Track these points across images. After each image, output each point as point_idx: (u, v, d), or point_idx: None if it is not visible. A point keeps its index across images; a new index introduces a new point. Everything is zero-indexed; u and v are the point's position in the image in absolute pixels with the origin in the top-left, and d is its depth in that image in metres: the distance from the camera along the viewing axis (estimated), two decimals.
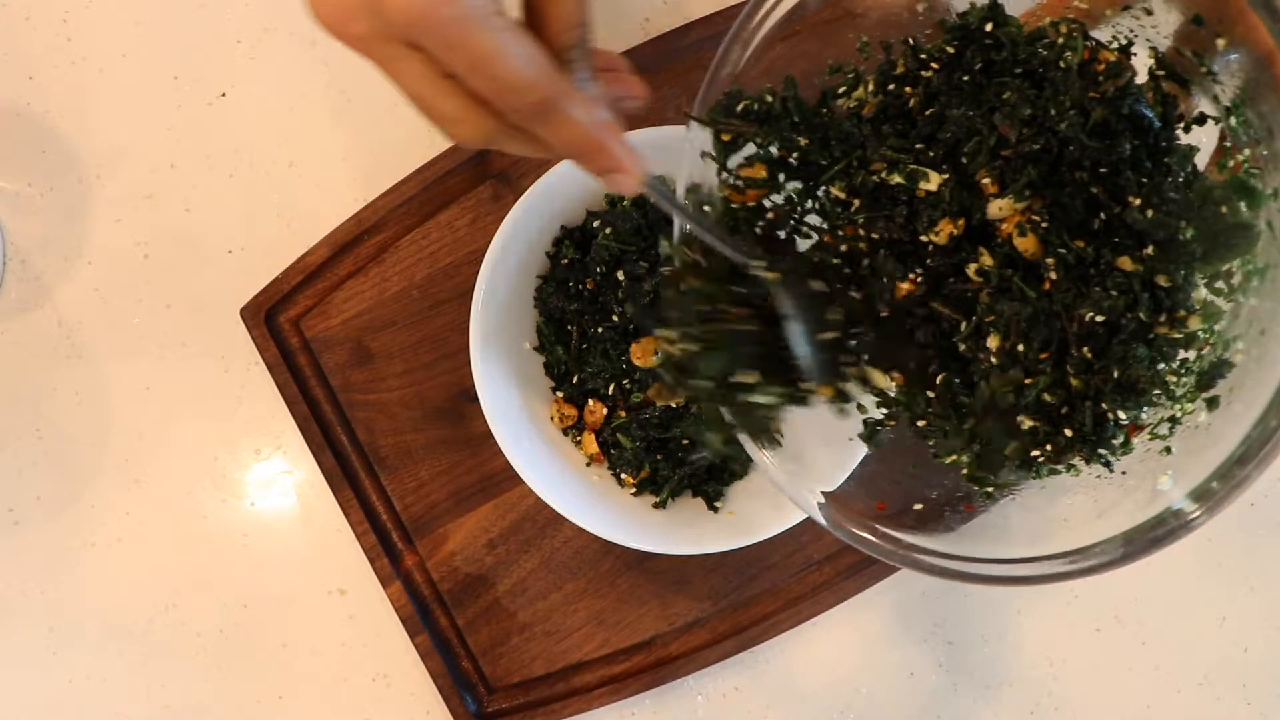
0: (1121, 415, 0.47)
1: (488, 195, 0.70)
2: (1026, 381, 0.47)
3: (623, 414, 0.65)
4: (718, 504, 0.66)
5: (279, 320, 0.70)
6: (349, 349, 0.71)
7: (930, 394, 0.49)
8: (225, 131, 0.73)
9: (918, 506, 0.52)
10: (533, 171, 0.68)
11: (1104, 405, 0.46)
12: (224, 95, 0.73)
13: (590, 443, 0.66)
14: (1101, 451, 0.47)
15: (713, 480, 0.66)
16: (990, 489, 0.51)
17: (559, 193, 0.65)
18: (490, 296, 0.64)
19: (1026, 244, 0.46)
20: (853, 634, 0.72)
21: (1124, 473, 0.48)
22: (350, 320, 0.71)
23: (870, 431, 0.53)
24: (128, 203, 0.72)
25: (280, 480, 0.72)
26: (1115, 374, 0.45)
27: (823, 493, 0.51)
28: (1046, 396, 0.47)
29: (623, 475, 0.66)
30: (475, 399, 0.63)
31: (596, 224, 0.66)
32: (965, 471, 0.50)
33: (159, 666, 0.71)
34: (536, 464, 0.65)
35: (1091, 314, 0.45)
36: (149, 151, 0.72)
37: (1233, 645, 0.72)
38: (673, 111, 0.70)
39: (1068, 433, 0.47)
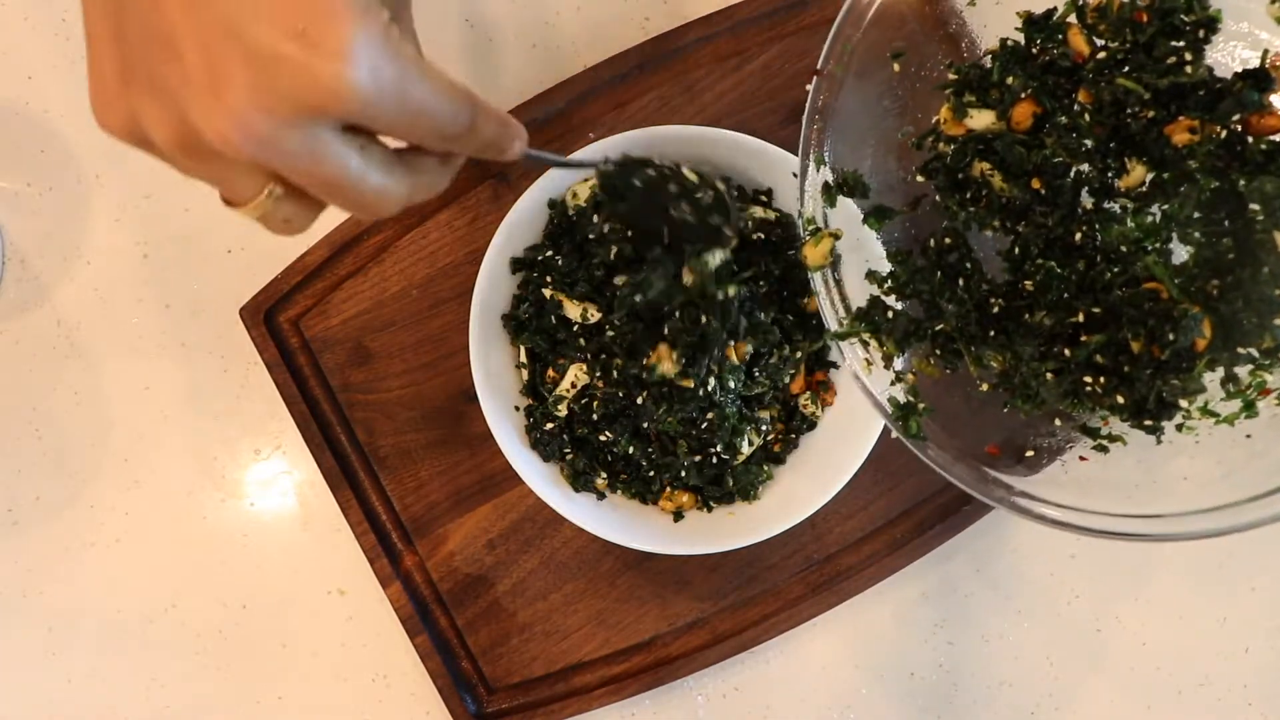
0: (1185, 404, 0.47)
1: (487, 195, 0.70)
2: (1084, 339, 0.47)
3: (600, 385, 0.65)
4: (715, 503, 0.66)
5: (278, 320, 0.70)
6: (348, 349, 0.71)
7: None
8: None
9: (1029, 454, 0.53)
10: (532, 171, 0.67)
11: (1166, 388, 0.46)
12: None
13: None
14: (1150, 424, 0.48)
15: (712, 483, 0.66)
16: (1102, 441, 0.51)
17: (559, 192, 0.65)
18: (490, 296, 0.64)
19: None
20: (853, 634, 0.72)
21: (1249, 436, 0.48)
22: (350, 320, 0.70)
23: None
24: (127, 202, 0.72)
25: (280, 480, 0.72)
26: (1173, 339, 0.45)
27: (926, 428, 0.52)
28: (1099, 358, 0.47)
29: (622, 475, 0.66)
30: (475, 399, 0.63)
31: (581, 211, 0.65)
32: (1009, 398, 0.51)
33: (159, 667, 0.71)
34: (536, 464, 0.65)
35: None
36: None
37: (1233, 645, 0.72)
38: (670, 111, 0.70)
39: (1119, 399, 0.47)
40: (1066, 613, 0.72)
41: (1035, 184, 0.50)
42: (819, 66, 0.51)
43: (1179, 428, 0.49)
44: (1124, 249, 0.48)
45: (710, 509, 0.66)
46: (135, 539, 0.72)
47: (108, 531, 0.72)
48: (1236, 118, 0.46)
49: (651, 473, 0.66)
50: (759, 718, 0.71)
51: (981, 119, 0.51)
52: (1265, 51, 0.48)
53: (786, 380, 0.65)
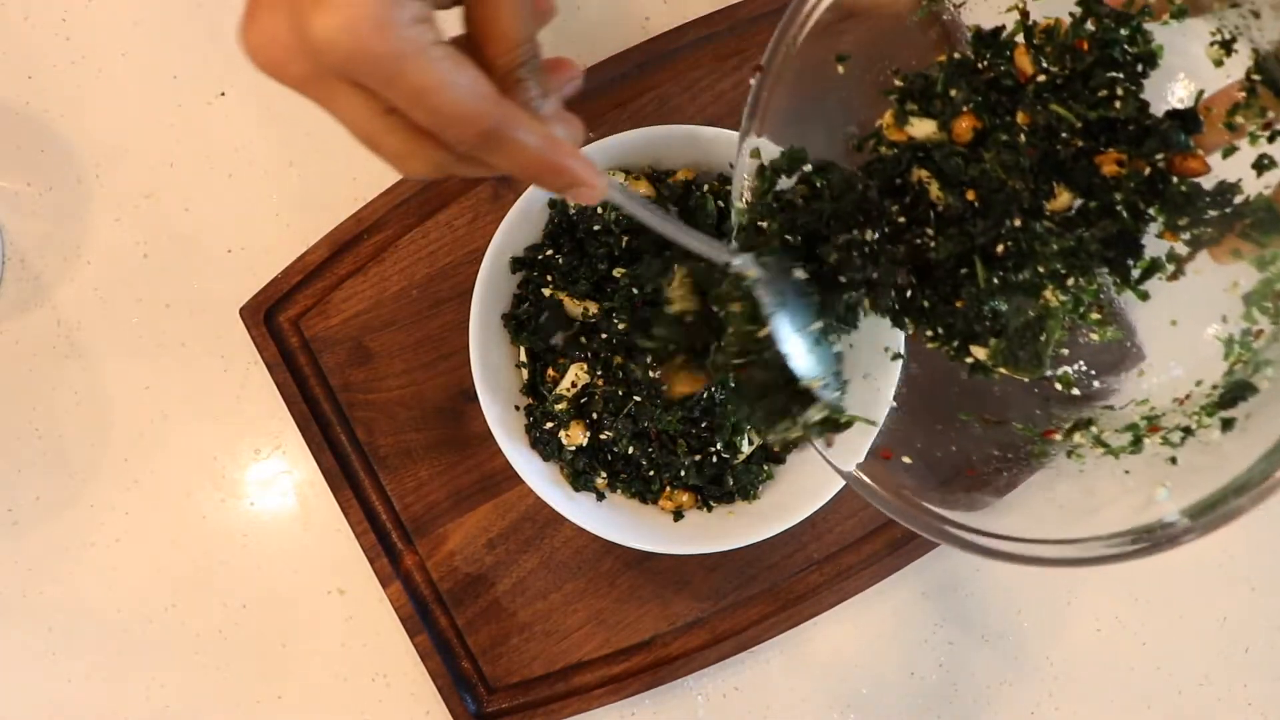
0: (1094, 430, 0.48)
1: (487, 195, 0.70)
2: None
3: (600, 384, 0.65)
4: (715, 503, 0.66)
5: (278, 320, 0.70)
6: (348, 348, 0.71)
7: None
8: (225, 131, 0.72)
9: (938, 453, 0.53)
10: None
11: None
12: (223, 95, 0.73)
13: (577, 433, 0.65)
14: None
15: (712, 482, 0.66)
16: (1007, 456, 0.52)
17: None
18: (490, 296, 0.64)
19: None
20: (853, 634, 0.72)
21: (1127, 472, 0.49)
22: (350, 320, 0.71)
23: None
24: (127, 202, 0.72)
25: (279, 480, 0.72)
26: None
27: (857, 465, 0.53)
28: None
29: (622, 475, 0.66)
30: (475, 399, 0.63)
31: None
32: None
33: (159, 667, 0.71)
34: (536, 464, 0.65)
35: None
36: (148, 151, 0.72)
37: (1233, 645, 0.72)
38: (670, 111, 0.70)
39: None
40: (1066, 613, 0.72)
41: (970, 195, 0.50)
42: (762, 63, 0.52)
43: (1069, 454, 0.50)
44: (1041, 269, 0.49)
45: (710, 509, 0.66)
46: (135, 539, 0.72)
47: (108, 531, 0.72)
48: (1160, 157, 0.46)
49: (651, 472, 0.66)
50: (759, 718, 0.71)
51: (923, 128, 0.52)
52: (1200, 93, 0.48)
53: None
